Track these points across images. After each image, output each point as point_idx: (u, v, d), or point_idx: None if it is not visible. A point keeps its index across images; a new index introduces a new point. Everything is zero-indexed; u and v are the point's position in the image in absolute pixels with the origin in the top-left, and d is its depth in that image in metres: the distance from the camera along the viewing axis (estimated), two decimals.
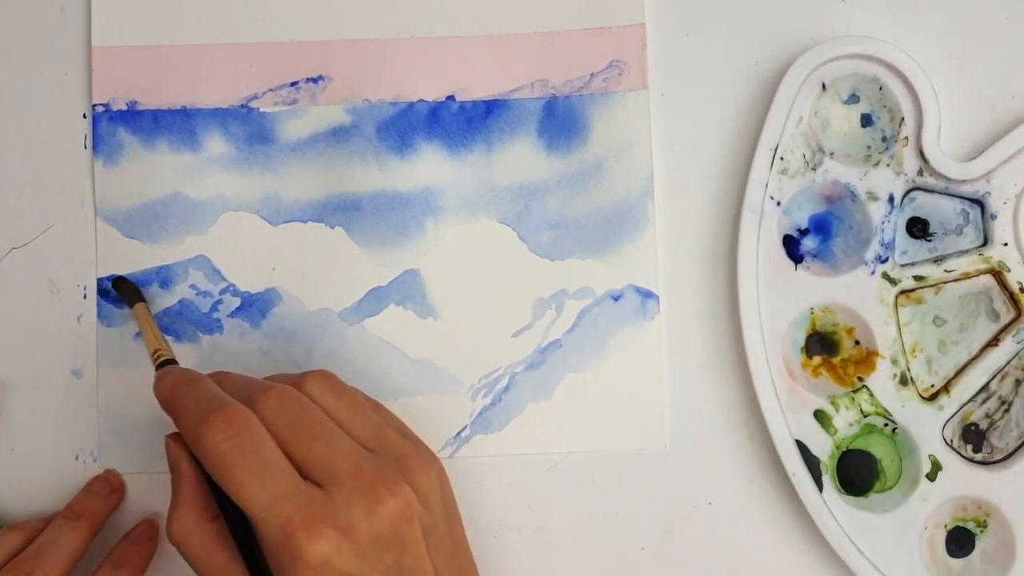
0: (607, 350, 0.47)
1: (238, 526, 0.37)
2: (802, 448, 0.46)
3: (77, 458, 0.47)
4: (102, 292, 0.47)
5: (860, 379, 0.46)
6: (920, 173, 0.46)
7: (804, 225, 0.47)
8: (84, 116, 0.48)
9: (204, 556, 0.38)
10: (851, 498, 0.46)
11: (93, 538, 0.44)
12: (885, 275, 0.46)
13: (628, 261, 0.47)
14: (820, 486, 0.45)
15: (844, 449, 0.46)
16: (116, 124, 0.48)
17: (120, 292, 0.47)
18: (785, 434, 0.46)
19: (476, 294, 0.47)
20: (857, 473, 0.46)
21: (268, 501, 0.35)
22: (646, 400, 0.47)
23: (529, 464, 0.47)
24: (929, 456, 0.45)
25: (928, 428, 0.46)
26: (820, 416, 0.46)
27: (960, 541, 0.46)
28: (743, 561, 0.47)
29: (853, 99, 0.47)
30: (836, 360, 0.47)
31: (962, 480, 0.45)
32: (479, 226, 0.48)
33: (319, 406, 0.39)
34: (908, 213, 0.47)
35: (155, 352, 0.43)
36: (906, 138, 0.46)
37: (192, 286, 0.47)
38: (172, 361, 0.43)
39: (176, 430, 0.39)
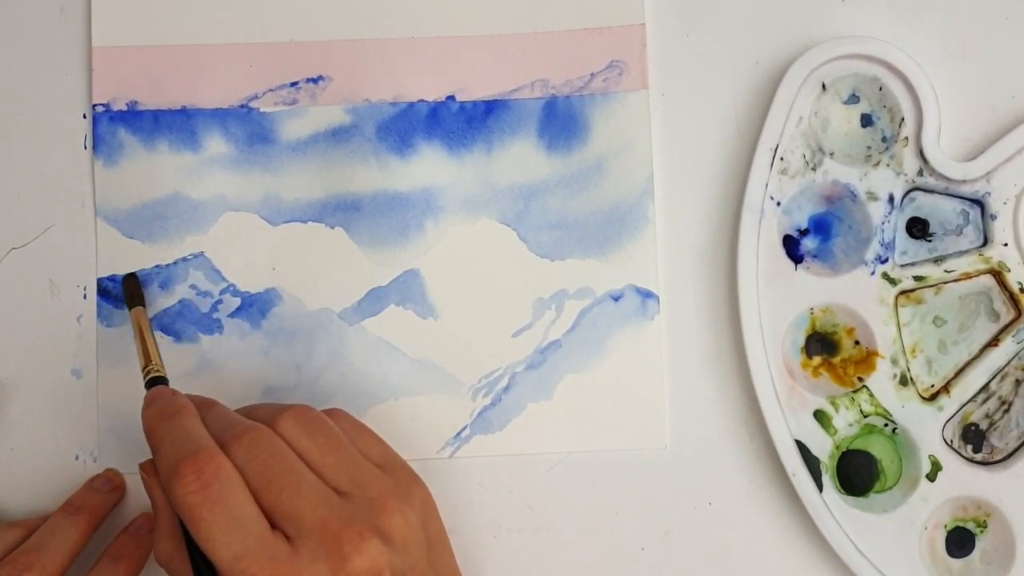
0: (607, 350, 0.47)
1: (197, 559, 0.37)
2: (802, 448, 0.46)
3: (77, 458, 0.47)
4: (102, 292, 0.47)
5: (860, 379, 0.46)
6: (920, 173, 0.46)
7: (804, 225, 0.47)
8: (84, 116, 0.48)
9: None
10: (851, 498, 0.46)
11: (92, 533, 0.45)
12: (885, 275, 0.46)
13: (628, 261, 0.47)
14: (820, 486, 0.45)
15: (844, 449, 0.46)
16: (116, 124, 0.48)
17: (125, 290, 0.46)
18: (785, 434, 0.46)
19: (476, 294, 0.47)
20: (857, 473, 0.46)
21: (233, 557, 0.35)
22: (646, 400, 0.47)
23: (529, 464, 0.47)
24: (929, 456, 0.45)
25: (928, 428, 0.46)
26: (820, 416, 0.46)
27: (960, 541, 0.46)
28: (743, 561, 0.47)
29: (853, 99, 0.47)
30: (836, 360, 0.47)
31: (962, 480, 0.45)
32: (479, 226, 0.48)
33: (293, 447, 0.38)
34: (908, 213, 0.47)
35: (145, 366, 0.43)
36: (906, 138, 0.46)
37: (192, 286, 0.47)
38: (162, 379, 0.42)
39: (149, 458, 0.39)
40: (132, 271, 0.47)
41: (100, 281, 0.47)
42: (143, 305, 0.46)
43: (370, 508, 0.37)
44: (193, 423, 0.39)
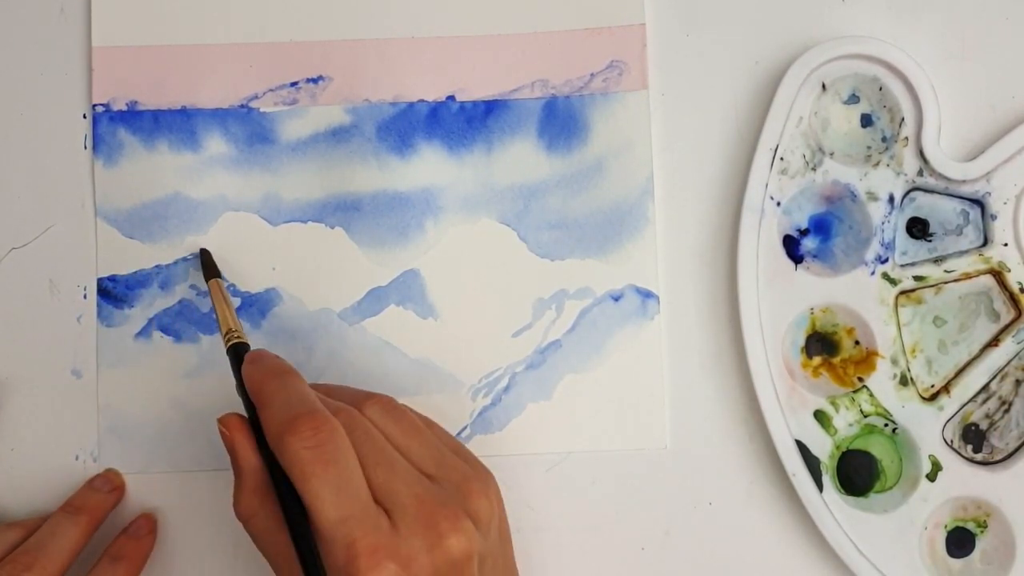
0: (607, 350, 0.47)
1: (295, 514, 0.37)
2: (802, 448, 0.46)
3: (77, 458, 0.47)
4: (102, 292, 0.47)
5: (860, 379, 0.46)
6: (920, 173, 0.46)
7: (804, 225, 0.47)
8: (84, 116, 0.48)
9: (268, 536, 0.38)
10: (851, 498, 0.46)
11: (92, 533, 0.45)
12: (885, 275, 0.46)
13: (628, 261, 0.47)
14: (820, 486, 0.45)
15: (844, 449, 0.46)
16: (116, 124, 0.48)
17: (203, 264, 0.47)
18: (785, 434, 0.46)
19: (476, 294, 0.47)
20: (857, 473, 0.46)
21: (338, 519, 0.36)
22: (646, 400, 0.47)
23: (529, 464, 0.47)
24: (929, 456, 0.45)
25: (928, 428, 0.46)
26: (820, 416, 0.46)
27: (960, 541, 0.46)
28: (743, 561, 0.47)
29: (853, 99, 0.47)
30: (836, 360, 0.47)
31: (962, 480, 0.45)
32: (479, 226, 0.48)
33: (379, 432, 0.39)
34: (908, 213, 0.47)
35: (228, 331, 0.43)
36: (906, 138, 0.46)
37: (192, 286, 0.47)
38: (245, 344, 0.42)
39: (228, 412, 0.39)
40: (203, 247, 0.47)
41: (100, 281, 0.47)
42: (219, 276, 0.46)
43: (457, 491, 0.38)
44: (304, 385, 0.39)
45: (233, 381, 0.41)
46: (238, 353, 0.42)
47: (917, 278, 0.46)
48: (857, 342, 0.47)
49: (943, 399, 0.46)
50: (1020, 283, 0.46)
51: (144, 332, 0.47)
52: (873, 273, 0.46)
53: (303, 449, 0.36)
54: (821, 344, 0.47)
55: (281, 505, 0.37)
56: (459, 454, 0.41)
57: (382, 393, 0.41)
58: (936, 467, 0.45)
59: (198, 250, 0.47)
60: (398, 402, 0.41)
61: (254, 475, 0.38)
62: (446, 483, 0.38)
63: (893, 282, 0.46)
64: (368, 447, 0.38)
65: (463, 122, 0.48)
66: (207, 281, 0.46)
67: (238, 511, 0.39)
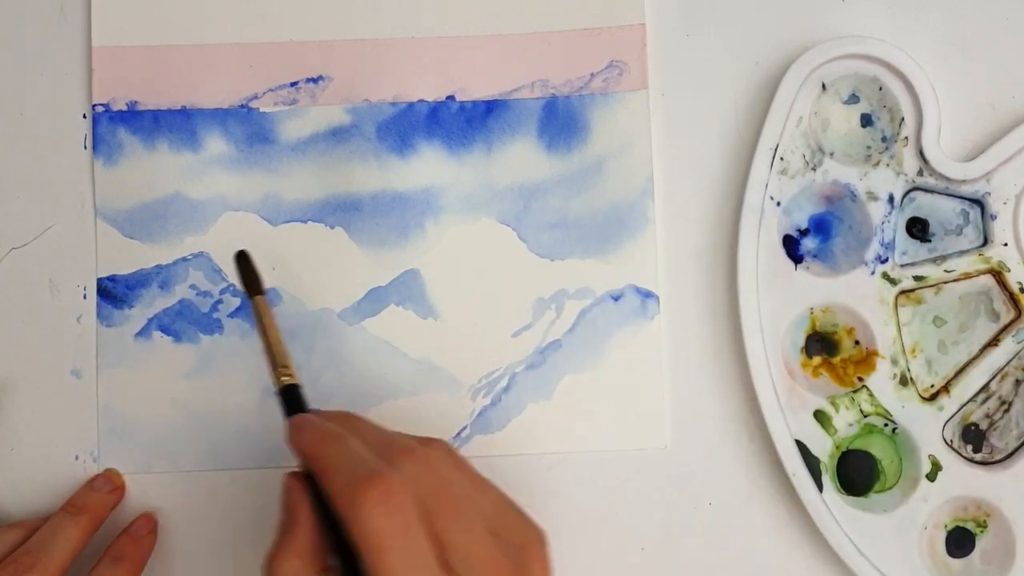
0: (607, 350, 0.47)
1: None
2: (802, 448, 0.46)
3: (77, 458, 0.47)
4: (102, 292, 0.47)
5: (860, 379, 0.46)
6: (920, 173, 0.46)
7: (804, 225, 0.47)
8: (84, 116, 0.48)
9: None
10: (851, 498, 0.46)
11: (93, 533, 0.45)
12: (885, 275, 0.46)
13: (628, 261, 0.47)
14: (820, 486, 0.45)
15: (844, 449, 0.46)
16: (116, 124, 0.48)
17: (242, 272, 0.42)
18: (785, 434, 0.46)
19: (476, 294, 0.47)
20: (857, 473, 0.46)
21: None
22: (646, 400, 0.47)
23: (529, 464, 0.47)
24: (929, 456, 0.45)
25: (928, 428, 0.46)
26: (820, 416, 0.46)
27: (960, 541, 0.46)
28: (743, 561, 0.47)
29: (853, 99, 0.47)
30: (836, 360, 0.47)
31: (962, 480, 0.45)
32: (479, 226, 0.48)
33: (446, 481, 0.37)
34: (908, 213, 0.47)
35: (280, 368, 0.40)
36: (906, 138, 0.46)
37: (192, 286, 0.47)
38: (297, 387, 0.40)
39: (294, 470, 0.37)
40: (242, 249, 0.43)
41: (100, 281, 0.47)
42: (262, 292, 0.41)
43: (520, 553, 0.37)
44: (360, 446, 0.37)
45: (231, 386, 0.40)
46: (290, 400, 0.39)
47: (917, 278, 0.46)
48: (857, 342, 0.47)
49: (943, 399, 0.46)
50: (1020, 283, 0.46)
51: (144, 332, 0.47)
52: (873, 273, 0.46)
53: (377, 516, 0.34)
54: (821, 344, 0.47)
55: (339, 556, 0.36)
56: (513, 507, 0.39)
57: (438, 438, 0.39)
58: (936, 467, 0.45)
59: (234, 254, 0.42)
60: (456, 450, 0.39)
61: (305, 537, 0.36)
62: (510, 546, 0.37)
63: (893, 282, 0.46)
64: (443, 502, 0.36)
65: (463, 122, 0.48)
66: (250, 297, 0.41)
67: (276, 570, 0.36)
